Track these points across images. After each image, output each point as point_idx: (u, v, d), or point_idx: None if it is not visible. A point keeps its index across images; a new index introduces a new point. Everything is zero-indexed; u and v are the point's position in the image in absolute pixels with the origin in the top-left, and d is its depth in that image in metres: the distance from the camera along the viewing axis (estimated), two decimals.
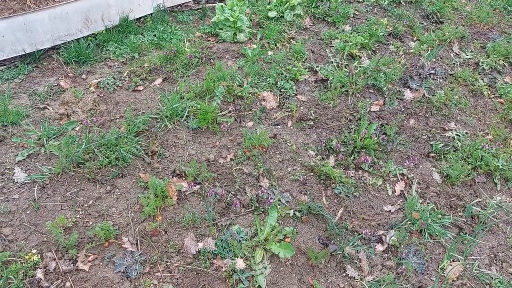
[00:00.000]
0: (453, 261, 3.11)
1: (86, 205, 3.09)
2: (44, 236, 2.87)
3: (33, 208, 3.02)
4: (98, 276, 2.70)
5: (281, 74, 4.44)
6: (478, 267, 3.10)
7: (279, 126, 3.94)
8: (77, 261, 2.74)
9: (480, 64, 5.04)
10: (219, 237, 2.97)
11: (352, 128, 3.97)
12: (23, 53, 4.23)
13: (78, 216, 3.02)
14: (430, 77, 4.73)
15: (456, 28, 5.59)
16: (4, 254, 2.68)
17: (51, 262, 2.72)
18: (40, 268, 2.67)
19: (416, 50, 5.10)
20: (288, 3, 5.37)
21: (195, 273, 2.79)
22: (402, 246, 3.12)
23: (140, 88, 4.15)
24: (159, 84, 4.23)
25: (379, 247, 3.11)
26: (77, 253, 2.78)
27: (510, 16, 6.19)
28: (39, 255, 2.74)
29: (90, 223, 2.99)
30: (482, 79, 4.85)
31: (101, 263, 2.78)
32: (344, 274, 2.93)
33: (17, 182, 3.17)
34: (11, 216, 2.96)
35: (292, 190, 3.38)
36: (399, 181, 3.60)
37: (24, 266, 2.64)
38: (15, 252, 2.75)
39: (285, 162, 3.60)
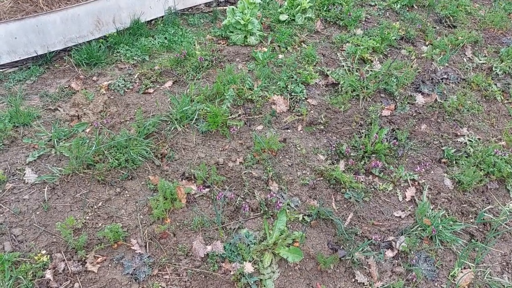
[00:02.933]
0: (464, 268, 3.06)
1: (95, 207, 3.10)
2: (53, 237, 2.88)
3: (43, 209, 3.04)
4: (107, 278, 2.70)
5: (292, 77, 4.43)
6: (490, 275, 3.05)
7: (289, 130, 3.92)
8: (86, 263, 2.75)
9: (493, 69, 4.97)
10: (228, 241, 2.96)
11: (362, 133, 3.94)
12: (35, 54, 4.27)
13: (87, 217, 3.03)
14: (442, 81, 4.68)
15: (469, 32, 5.53)
16: (14, 254, 2.69)
17: (60, 263, 2.73)
18: (49, 269, 2.68)
19: (429, 55, 5.05)
20: (299, 6, 5.36)
21: (203, 276, 2.78)
22: (412, 252, 3.08)
23: (151, 90, 4.17)
24: (169, 86, 4.25)
25: (389, 253, 3.07)
26: (86, 254, 2.79)
27: None
28: (49, 255, 2.75)
29: (99, 224, 3.00)
30: (496, 84, 4.78)
31: (109, 265, 2.78)
32: (353, 280, 2.90)
33: (27, 183, 3.19)
34: (21, 216, 2.98)
35: (302, 195, 3.36)
36: (410, 186, 3.56)
37: (34, 267, 2.66)
38: (25, 253, 2.77)
39: (295, 166, 3.58)
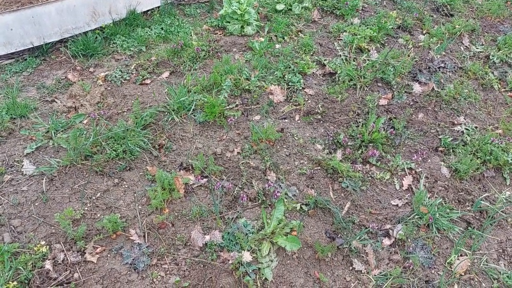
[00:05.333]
0: (461, 255, 3.09)
1: (94, 198, 3.11)
2: (52, 227, 2.90)
3: (42, 200, 3.05)
4: (106, 268, 2.72)
5: (289, 67, 4.42)
6: (486, 262, 3.08)
7: (286, 120, 3.93)
8: (85, 253, 2.77)
9: (490, 57, 4.97)
10: (226, 230, 2.98)
11: (360, 122, 3.95)
12: (31, 46, 4.25)
13: (86, 208, 3.04)
14: (439, 70, 4.68)
15: (467, 21, 5.52)
16: (13, 245, 2.71)
17: (59, 254, 2.74)
18: (48, 260, 2.70)
19: (426, 43, 5.05)
20: None
21: (202, 265, 2.80)
22: (409, 240, 3.10)
23: (148, 81, 4.16)
24: (166, 77, 4.24)
25: (386, 241, 3.09)
26: (85, 244, 2.80)
27: None
28: (48, 246, 2.76)
29: (98, 215, 3.01)
30: (493, 73, 4.78)
31: (109, 255, 2.80)
32: (351, 268, 2.93)
33: (25, 174, 3.20)
34: (20, 208, 2.99)
35: (299, 184, 3.38)
36: (407, 175, 3.58)
37: (33, 257, 2.67)
38: (24, 244, 2.78)
39: (292, 156, 3.59)
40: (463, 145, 3.86)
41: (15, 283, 2.50)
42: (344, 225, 3.10)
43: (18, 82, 3.98)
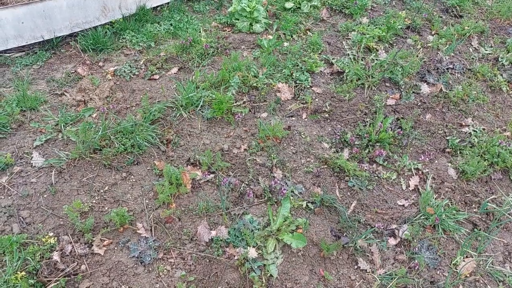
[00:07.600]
0: (467, 257, 3.08)
1: (102, 191, 3.14)
2: (60, 219, 2.92)
3: (50, 192, 3.07)
4: (113, 260, 2.74)
5: (297, 65, 4.42)
6: (492, 264, 3.08)
7: (293, 118, 3.93)
8: (92, 245, 2.79)
9: (499, 59, 4.95)
10: (232, 226, 2.99)
11: (367, 122, 3.94)
12: (42, 39, 4.28)
13: (94, 201, 3.06)
14: (448, 71, 4.66)
15: (476, 22, 5.49)
16: (22, 236, 2.73)
17: (67, 245, 2.77)
18: (56, 251, 2.72)
19: (434, 44, 5.03)
20: None
21: (207, 260, 2.81)
22: (415, 240, 3.10)
23: (156, 76, 4.18)
24: (175, 73, 4.25)
25: (392, 241, 3.10)
26: (93, 237, 2.82)
27: None
28: (56, 238, 2.79)
29: (106, 208, 3.03)
30: (501, 75, 4.76)
31: (116, 248, 2.82)
32: (356, 267, 2.94)
33: (35, 166, 3.22)
34: (29, 199, 3.02)
35: (306, 182, 3.38)
36: (413, 175, 3.58)
37: (41, 248, 2.70)
38: (33, 235, 2.81)
39: (299, 154, 3.60)
40: (470, 147, 3.85)
41: (23, 273, 2.52)
42: (350, 224, 3.10)
43: (28, 75, 4.01)
